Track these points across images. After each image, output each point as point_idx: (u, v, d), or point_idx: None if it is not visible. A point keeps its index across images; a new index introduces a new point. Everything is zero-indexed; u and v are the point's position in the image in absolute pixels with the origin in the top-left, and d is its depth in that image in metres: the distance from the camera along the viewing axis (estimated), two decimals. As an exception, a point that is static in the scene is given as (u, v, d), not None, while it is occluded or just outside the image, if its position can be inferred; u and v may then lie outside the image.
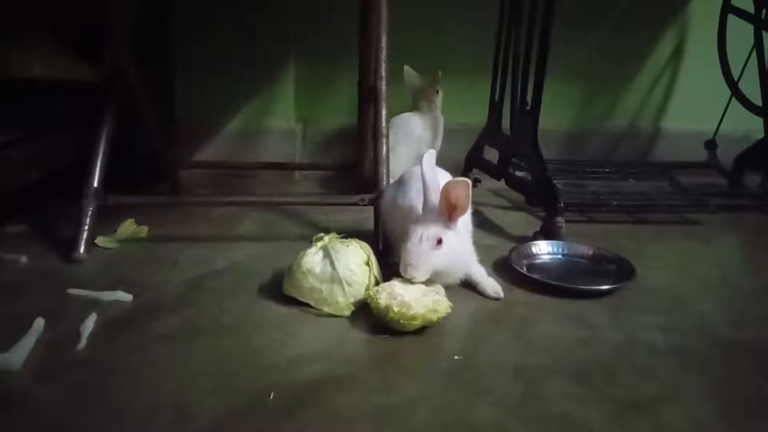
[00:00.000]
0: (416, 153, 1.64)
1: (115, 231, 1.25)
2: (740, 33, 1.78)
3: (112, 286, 1.01)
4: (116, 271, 1.10)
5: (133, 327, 0.91)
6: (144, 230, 1.27)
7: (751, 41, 1.73)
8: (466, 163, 1.80)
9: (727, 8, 1.79)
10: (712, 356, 0.89)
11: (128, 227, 1.26)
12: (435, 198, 0.97)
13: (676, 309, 1.04)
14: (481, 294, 1.05)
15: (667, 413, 0.74)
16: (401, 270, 0.96)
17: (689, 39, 2.02)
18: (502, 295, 1.04)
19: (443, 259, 0.98)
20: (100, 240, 1.20)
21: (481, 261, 1.17)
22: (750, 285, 1.17)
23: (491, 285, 1.06)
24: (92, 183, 1.19)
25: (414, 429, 0.69)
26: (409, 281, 0.96)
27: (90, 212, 1.17)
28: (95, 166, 1.20)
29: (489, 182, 1.73)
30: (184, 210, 1.46)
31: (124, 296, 0.98)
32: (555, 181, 1.36)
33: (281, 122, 1.91)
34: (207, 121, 1.88)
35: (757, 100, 1.75)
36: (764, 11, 1.63)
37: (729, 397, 0.79)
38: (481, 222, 1.45)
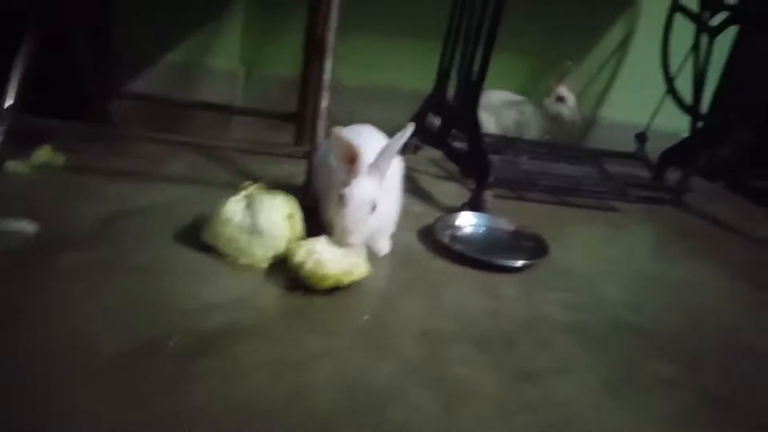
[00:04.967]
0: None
1: (29, 157, 1.18)
2: (687, 32, 1.84)
3: (18, 215, 0.95)
4: (26, 199, 1.05)
5: (37, 259, 0.87)
6: (60, 158, 1.20)
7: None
8: (409, 128, 1.80)
9: (675, 6, 1.83)
10: (606, 335, 0.95)
11: (44, 154, 1.19)
12: (367, 161, 0.96)
13: (583, 289, 1.10)
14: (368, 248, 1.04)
15: (557, 383, 0.79)
16: (337, 236, 0.94)
17: (637, 32, 2.07)
18: (384, 253, 1.07)
19: (375, 223, 0.99)
20: (10, 164, 1.13)
21: (407, 227, 1.19)
22: (655, 273, 1.25)
23: (385, 244, 1.08)
24: (7, 101, 1.11)
25: (311, 383, 0.71)
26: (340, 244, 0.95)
27: (2, 132, 1.09)
28: (11, 84, 1.12)
29: (430, 151, 1.74)
30: (111, 144, 1.39)
31: (27, 226, 0.93)
32: (491, 156, 1.39)
33: (224, 63, 1.84)
34: (146, 53, 1.78)
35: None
36: (707, 13, 1.68)
37: (616, 372, 0.85)
38: (414, 189, 1.46)
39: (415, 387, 0.73)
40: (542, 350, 0.86)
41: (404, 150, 1.75)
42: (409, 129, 0.99)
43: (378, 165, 0.97)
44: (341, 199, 0.95)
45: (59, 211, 1.02)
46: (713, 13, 1.66)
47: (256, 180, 1.04)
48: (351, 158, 0.95)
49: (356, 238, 0.95)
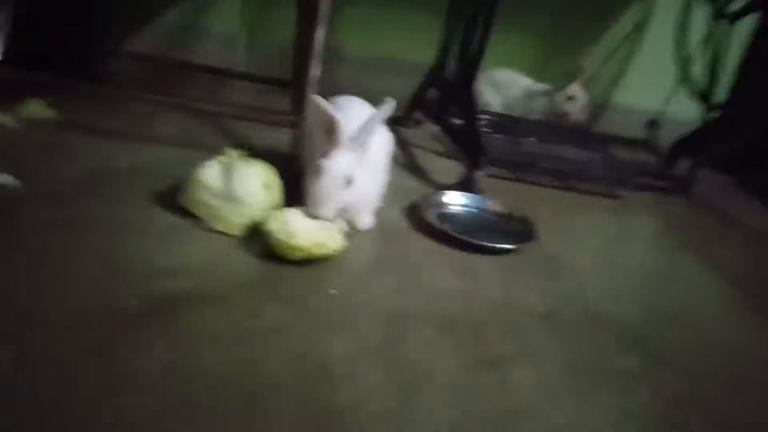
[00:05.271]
0: None
1: (16, 110, 1.17)
2: (705, 16, 1.76)
3: (1, 169, 0.95)
4: (10, 152, 1.05)
5: (11, 214, 0.87)
6: (49, 113, 1.19)
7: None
8: (410, 103, 1.76)
9: (694, -9, 1.75)
10: (578, 324, 0.92)
11: (33, 108, 1.18)
12: (348, 134, 0.94)
13: (565, 277, 1.07)
14: (349, 222, 1.03)
15: (518, 371, 0.77)
16: (307, 204, 0.94)
17: (654, 15, 1.99)
18: (365, 228, 1.05)
19: (350, 198, 0.97)
20: (-4, 116, 1.12)
21: (396, 202, 1.17)
22: (643, 265, 1.22)
23: (367, 219, 1.06)
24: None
25: (264, 354, 0.70)
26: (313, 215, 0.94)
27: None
28: None
29: (432, 126, 1.70)
30: (101, 102, 1.38)
31: (10, 180, 0.93)
32: (493, 135, 1.35)
33: (223, 25, 1.81)
34: (144, 11, 1.76)
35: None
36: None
37: (580, 363, 0.82)
38: (410, 165, 1.44)
39: (370, 367, 0.72)
40: (510, 337, 0.84)
41: (404, 124, 1.73)
42: (390, 104, 0.97)
43: (358, 139, 0.95)
44: (316, 170, 0.93)
45: (42, 167, 1.02)
46: (731, -2, 1.59)
47: (248, 147, 1.02)
48: (329, 129, 0.93)
49: (326, 210, 0.93)
